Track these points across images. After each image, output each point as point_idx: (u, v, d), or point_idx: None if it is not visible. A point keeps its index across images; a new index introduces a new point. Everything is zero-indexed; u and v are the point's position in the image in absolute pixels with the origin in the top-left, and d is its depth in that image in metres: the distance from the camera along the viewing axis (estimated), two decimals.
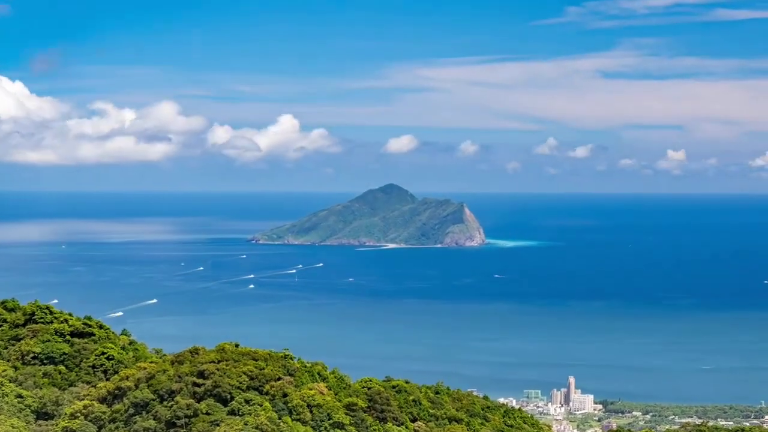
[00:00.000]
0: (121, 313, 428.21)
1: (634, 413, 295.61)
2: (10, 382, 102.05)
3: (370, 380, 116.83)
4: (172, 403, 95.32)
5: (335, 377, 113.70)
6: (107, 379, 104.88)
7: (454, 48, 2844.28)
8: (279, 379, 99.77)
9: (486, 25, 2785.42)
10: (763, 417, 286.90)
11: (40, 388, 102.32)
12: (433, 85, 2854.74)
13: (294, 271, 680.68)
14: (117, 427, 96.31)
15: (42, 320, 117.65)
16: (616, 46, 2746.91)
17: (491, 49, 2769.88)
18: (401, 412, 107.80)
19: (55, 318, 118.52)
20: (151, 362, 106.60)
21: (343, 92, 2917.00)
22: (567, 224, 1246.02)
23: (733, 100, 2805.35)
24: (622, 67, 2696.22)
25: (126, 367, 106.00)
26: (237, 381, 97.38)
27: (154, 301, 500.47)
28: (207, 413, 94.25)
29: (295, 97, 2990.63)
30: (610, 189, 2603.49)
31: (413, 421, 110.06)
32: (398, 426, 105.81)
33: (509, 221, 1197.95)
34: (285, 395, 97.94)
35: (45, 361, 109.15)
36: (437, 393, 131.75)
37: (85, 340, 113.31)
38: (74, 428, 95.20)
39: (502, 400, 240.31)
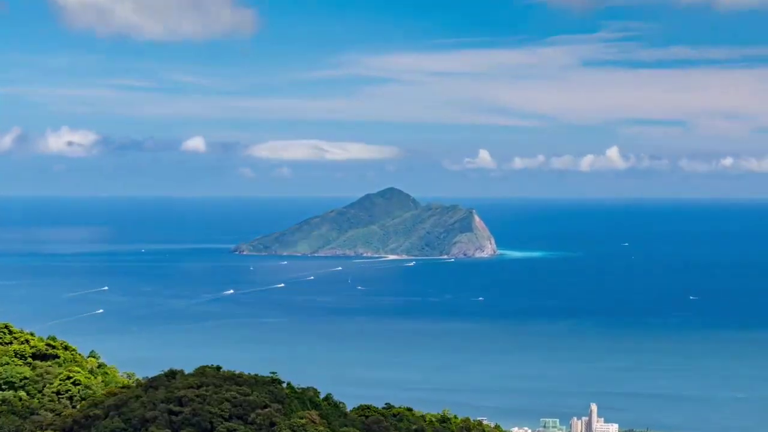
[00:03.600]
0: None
1: None
2: None
3: (368, 407, 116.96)
4: None
5: (329, 404, 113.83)
6: (73, 407, 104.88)
7: (407, 34, 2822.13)
8: (266, 406, 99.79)
9: (440, 7, 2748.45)
10: None
11: None
12: (391, 76, 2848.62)
13: (281, 285, 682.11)
14: None
15: (0, 341, 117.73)
16: (594, 31, 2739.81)
17: (446, 34, 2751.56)
18: None
19: (15, 338, 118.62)
20: (122, 387, 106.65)
21: (287, 85, 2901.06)
22: (576, 231, 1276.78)
23: (739, 92, 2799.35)
24: (604, 55, 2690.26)
25: (94, 393, 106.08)
26: (219, 409, 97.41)
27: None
28: None
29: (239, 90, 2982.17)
30: (613, 192, 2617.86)
31: None
32: None
33: (516, 229, 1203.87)
34: (272, 425, 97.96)
35: (3, 387, 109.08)
36: (443, 422, 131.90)
37: (49, 362, 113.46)
38: None
39: (516, 430, 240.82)
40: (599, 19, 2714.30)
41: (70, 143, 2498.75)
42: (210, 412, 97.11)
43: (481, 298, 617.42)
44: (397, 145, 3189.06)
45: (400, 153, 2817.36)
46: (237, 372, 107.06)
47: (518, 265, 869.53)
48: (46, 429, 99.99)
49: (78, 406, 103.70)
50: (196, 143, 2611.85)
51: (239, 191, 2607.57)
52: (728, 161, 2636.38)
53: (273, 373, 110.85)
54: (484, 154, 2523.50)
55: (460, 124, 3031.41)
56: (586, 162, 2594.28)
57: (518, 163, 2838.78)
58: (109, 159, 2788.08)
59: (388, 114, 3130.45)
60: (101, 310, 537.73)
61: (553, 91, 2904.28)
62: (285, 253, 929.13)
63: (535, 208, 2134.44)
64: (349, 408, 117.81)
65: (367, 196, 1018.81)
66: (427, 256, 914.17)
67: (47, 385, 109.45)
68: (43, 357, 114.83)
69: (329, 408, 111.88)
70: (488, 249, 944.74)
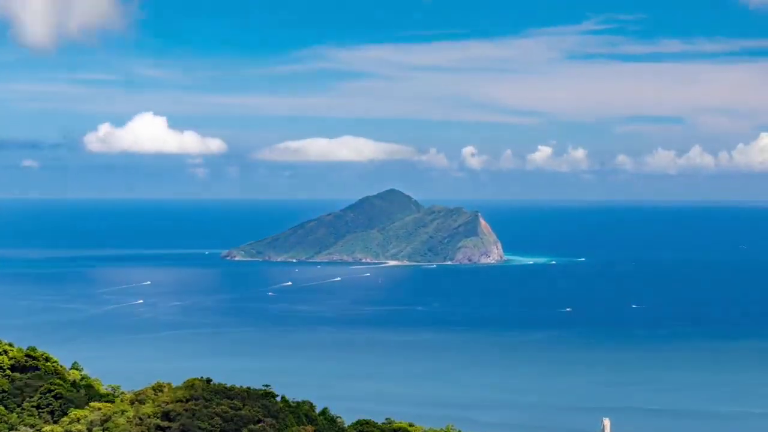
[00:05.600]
0: None
1: None
2: None
3: (367, 422, 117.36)
4: None
5: (325, 419, 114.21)
6: (55, 422, 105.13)
7: (374, 25, 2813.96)
8: (259, 421, 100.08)
9: None
10: None
11: None
12: (361, 70, 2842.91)
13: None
14: None
15: None
16: (578, 22, 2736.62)
17: (416, 26, 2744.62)
18: None
19: None
20: (106, 401, 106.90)
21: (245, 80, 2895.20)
22: (582, 236, 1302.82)
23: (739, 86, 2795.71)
24: (590, 48, 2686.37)
25: (77, 407, 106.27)
26: (209, 424, 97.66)
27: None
28: None
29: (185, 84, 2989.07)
30: (612, 195, 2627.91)
31: None
32: None
33: (519, 233, 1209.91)
34: None
35: None
36: None
37: (29, 375, 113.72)
38: None
39: None
40: (582, 9, 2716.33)
41: None
42: (200, 428, 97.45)
43: (568, 309, 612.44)
44: (377, 143, 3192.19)
45: (382, 152, 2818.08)
46: (228, 385, 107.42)
47: (527, 271, 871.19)
48: None
49: (60, 422, 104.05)
50: (150, 142, 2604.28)
51: (200, 193, 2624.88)
52: (732, 161, 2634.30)
53: (266, 385, 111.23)
54: (469, 153, 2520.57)
55: (441, 121, 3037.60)
56: (580, 162, 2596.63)
57: (507, 162, 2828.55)
58: None
59: (363, 111, 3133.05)
60: (141, 300, 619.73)
61: (539, 86, 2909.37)
62: (279, 259, 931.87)
63: (533, 210, 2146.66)
64: (347, 423, 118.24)
65: (366, 198, 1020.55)
66: (429, 262, 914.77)
67: (27, 399, 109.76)
68: (23, 369, 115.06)
69: (326, 423, 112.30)
70: (494, 254, 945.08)
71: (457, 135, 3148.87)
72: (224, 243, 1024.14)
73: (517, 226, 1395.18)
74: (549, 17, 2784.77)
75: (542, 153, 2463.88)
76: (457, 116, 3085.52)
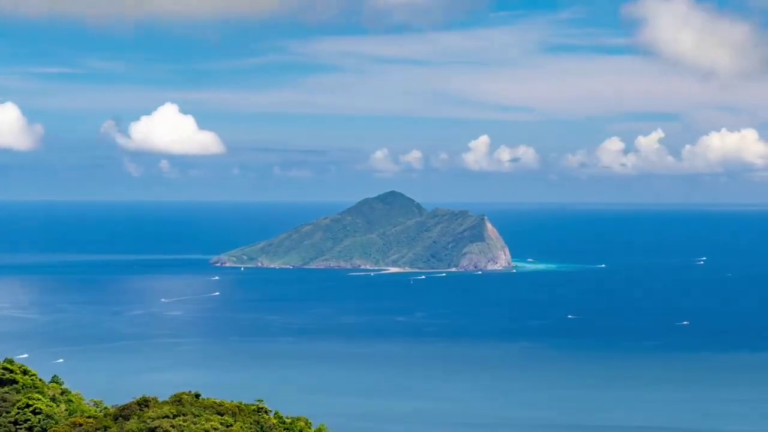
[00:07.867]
0: None
1: None
2: None
3: None
4: None
5: None
6: None
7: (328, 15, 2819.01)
8: None
9: None
10: None
11: None
12: (330, 62, 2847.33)
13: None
14: None
15: None
16: (553, 9, 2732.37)
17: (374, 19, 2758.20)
18: None
19: None
20: (88, 417, 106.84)
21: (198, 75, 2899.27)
22: (590, 241, 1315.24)
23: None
24: (567, 39, 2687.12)
25: (57, 423, 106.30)
26: None
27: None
28: None
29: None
30: (611, 196, 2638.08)
31: None
32: None
33: (520, 237, 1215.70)
34: None
35: None
36: None
37: (6, 389, 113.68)
38: None
39: None
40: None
41: None
42: None
43: (686, 322, 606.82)
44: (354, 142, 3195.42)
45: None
46: (218, 400, 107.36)
47: (537, 279, 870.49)
48: None
49: None
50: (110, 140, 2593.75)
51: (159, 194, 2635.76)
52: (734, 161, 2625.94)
53: (259, 400, 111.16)
54: (457, 152, 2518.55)
55: (423, 118, 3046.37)
56: (573, 163, 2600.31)
57: (492, 162, 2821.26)
58: None
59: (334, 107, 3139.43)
60: (217, 293, 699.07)
61: (521, 80, 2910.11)
62: (273, 265, 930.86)
63: (531, 212, 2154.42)
64: None
65: (366, 201, 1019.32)
66: (433, 268, 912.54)
67: (3, 414, 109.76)
68: None
69: None
70: (502, 260, 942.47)
71: (433, 132, 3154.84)
72: (214, 248, 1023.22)
73: (523, 230, 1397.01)
74: (518, 3, 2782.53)
75: (529, 152, 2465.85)
76: (436, 113, 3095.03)
